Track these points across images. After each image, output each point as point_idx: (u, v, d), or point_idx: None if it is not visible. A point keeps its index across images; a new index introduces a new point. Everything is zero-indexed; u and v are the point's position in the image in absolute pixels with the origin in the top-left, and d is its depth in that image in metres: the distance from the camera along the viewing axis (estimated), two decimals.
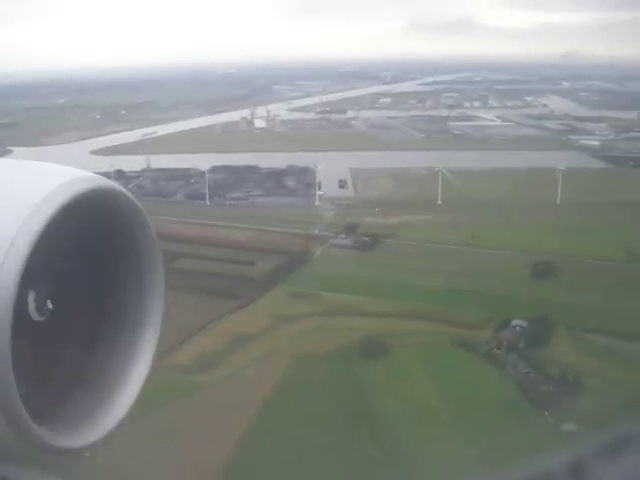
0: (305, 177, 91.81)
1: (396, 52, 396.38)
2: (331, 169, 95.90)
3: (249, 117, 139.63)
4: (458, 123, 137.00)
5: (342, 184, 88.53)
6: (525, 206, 77.30)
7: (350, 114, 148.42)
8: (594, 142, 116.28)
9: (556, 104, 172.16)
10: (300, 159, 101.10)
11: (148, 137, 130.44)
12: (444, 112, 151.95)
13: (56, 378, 2.62)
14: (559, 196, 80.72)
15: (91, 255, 2.67)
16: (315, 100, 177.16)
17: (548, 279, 57.08)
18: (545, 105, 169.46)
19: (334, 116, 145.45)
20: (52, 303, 2.46)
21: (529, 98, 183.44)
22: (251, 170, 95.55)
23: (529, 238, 66.25)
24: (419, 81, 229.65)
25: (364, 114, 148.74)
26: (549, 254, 61.92)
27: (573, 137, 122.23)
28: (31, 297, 2.38)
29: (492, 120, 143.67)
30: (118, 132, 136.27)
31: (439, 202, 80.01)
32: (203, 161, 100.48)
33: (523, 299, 52.19)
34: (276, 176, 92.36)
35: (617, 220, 72.29)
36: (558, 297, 52.76)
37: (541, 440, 34.77)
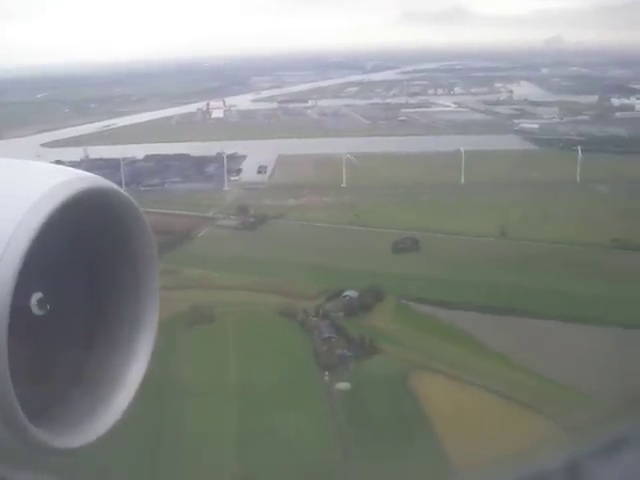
0: (230, 164, 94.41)
1: (388, 42, 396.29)
2: (262, 156, 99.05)
3: (204, 108, 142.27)
4: (411, 110, 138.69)
5: (261, 170, 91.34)
6: (426, 187, 79.56)
7: (309, 104, 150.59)
8: (534, 126, 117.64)
9: (522, 90, 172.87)
10: (237, 147, 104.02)
11: (105, 129, 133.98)
12: (403, 100, 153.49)
13: (53, 377, 2.62)
14: (463, 177, 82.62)
15: (88, 253, 2.68)
16: (285, 90, 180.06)
17: (407, 254, 59.45)
18: (510, 91, 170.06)
19: (292, 105, 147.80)
20: (49, 301, 2.45)
21: (499, 85, 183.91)
22: (180, 158, 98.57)
23: (410, 217, 68.57)
24: (398, 70, 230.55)
25: (324, 103, 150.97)
26: (422, 231, 64.25)
27: (516, 121, 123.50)
28: (28, 295, 2.38)
29: (447, 106, 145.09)
30: (79, 125, 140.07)
31: (343, 185, 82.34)
32: (143, 150, 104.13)
33: (372, 272, 54.57)
34: (201, 163, 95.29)
35: (509, 199, 74.45)
36: (405, 270, 55.19)
37: (306, 396, 37.62)
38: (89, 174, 2.49)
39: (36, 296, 2.43)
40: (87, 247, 2.68)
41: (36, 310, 2.43)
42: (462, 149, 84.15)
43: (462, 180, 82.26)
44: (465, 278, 52.75)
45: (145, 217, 2.66)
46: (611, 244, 60.81)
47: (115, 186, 2.53)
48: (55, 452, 2.39)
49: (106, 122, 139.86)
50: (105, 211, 2.53)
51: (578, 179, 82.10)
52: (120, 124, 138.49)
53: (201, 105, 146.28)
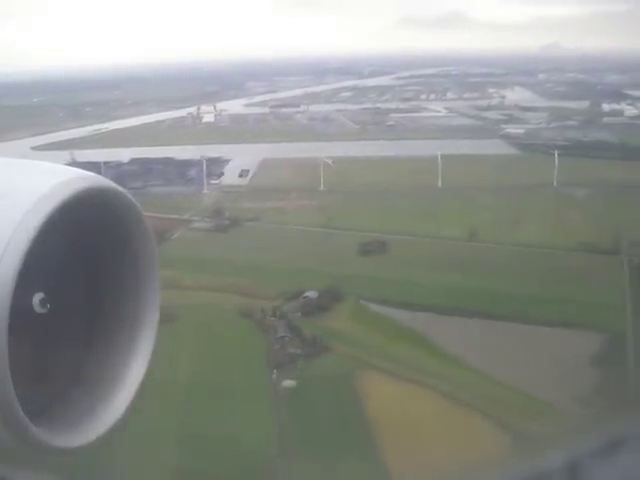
0: (213, 167, 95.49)
1: (387, 47, 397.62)
2: (246, 159, 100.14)
3: (195, 113, 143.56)
4: (400, 115, 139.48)
5: (243, 173, 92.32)
6: (403, 190, 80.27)
7: (300, 108, 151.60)
8: (519, 131, 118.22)
9: (515, 96, 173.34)
10: (224, 151, 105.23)
11: (97, 133, 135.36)
12: (394, 105, 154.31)
13: (53, 377, 2.61)
14: (440, 181, 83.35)
15: (88, 253, 2.68)
16: (280, 95, 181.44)
17: (373, 256, 60.21)
18: (502, 97, 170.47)
19: (283, 110, 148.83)
20: (50, 301, 2.44)
21: (492, 90, 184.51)
22: (164, 162, 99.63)
23: (383, 220, 69.24)
24: (394, 75, 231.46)
25: (315, 108, 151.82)
26: (392, 234, 65.04)
27: (503, 126, 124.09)
28: (28, 295, 2.38)
29: (437, 111, 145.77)
30: (72, 129, 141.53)
31: (321, 188, 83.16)
32: (130, 154, 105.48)
33: (335, 274, 55.29)
34: (184, 167, 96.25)
35: (483, 203, 75.07)
36: (368, 272, 55.93)
37: (252, 394, 38.39)
38: (90, 174, 2.49)
39: (36, 296, 2.42)
40: (87, 247, 2.67)
41: (36, 310, 2.42)
42: (439, 154, 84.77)
43: (439, 184, 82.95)
44: (425, 280, 53.49)
45: (145, 217, 2.69)
46: (577, 247, 61.45)
47: (115, 186, 2.53)
48: (55, 452, 2.38)
49: (98, 126, 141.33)
50: (105, 211, 2.52)
51: (554, 183, 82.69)
52: (112, 128, 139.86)
53: (192, 109, 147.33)
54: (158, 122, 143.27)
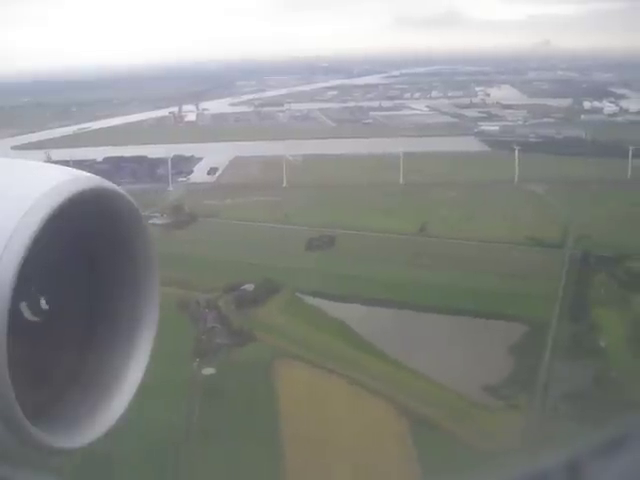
0: (184, 166, 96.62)
1: (383, 47, 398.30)
2: (219, 157, 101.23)
3: (177, 112, 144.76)
4: (380, 113, 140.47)
5: (211, 171, 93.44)
6: (365, 187, 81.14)
7: (283, 107, 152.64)
8: (494, 128, 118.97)
9: (500, 93, 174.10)
10: (199, 149, 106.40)
11: (78, 133, 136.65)
12: (376, 103, 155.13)
13: (53, 378, 2.63)
14: (402, 178, 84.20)
15: (87, 253, 2.70)
16: (268, 94, 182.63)
17: (319, 251, 61.14)
18: (487, 95, 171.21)
19: (265, 109, 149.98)
20: (49, 301, 2.45)
21: (479, 88, 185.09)
22: (137, 160, 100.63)
23: (339, 215, 70.09)
24: (385, 74, 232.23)
25: (298, 106, 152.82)
26: (345, 229, 65.97)
27: (480, 123, 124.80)
28: (28, 295, 2.38)
29: (417, 110, 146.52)
30: (55, 128, 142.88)
31: (284, 185, 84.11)
32: (107, 153, 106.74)
33: (279, 267, 56.23)
34: (155, 165, 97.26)
35: (441, 198, 75.94)
36: (310, 266, 56.90)
37: (173, 381, 39.34)
38: (89, 174, 2.49)
39: (36, 296, 2.41)
40: (87, 247, 2.66)
41: (35, 310, 2.40)
42: (401, 151, 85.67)
43: (401, 180, 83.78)
44: (363, 273, 54.34)
45: (145, 217, 2.71)
46: (525, 242, 62.22)
47: (115, 187, 2.53)
48: (55, 452, 2.37)
49: (81, 125, 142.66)
50: (105, 211, 2.52)
51: (516, 179, 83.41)
52: (94, 127, 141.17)
53: (174, 109, 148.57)
54: (140, 122, 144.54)
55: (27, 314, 2.40)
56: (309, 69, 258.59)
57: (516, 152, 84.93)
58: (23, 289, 2.26)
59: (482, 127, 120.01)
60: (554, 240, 62.10)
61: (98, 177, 2.52)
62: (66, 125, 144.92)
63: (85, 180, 2.42)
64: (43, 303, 2.44)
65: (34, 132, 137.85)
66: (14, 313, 2.18)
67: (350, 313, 48.04)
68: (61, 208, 2.28)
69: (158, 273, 2.83)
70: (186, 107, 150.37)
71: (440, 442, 33.19)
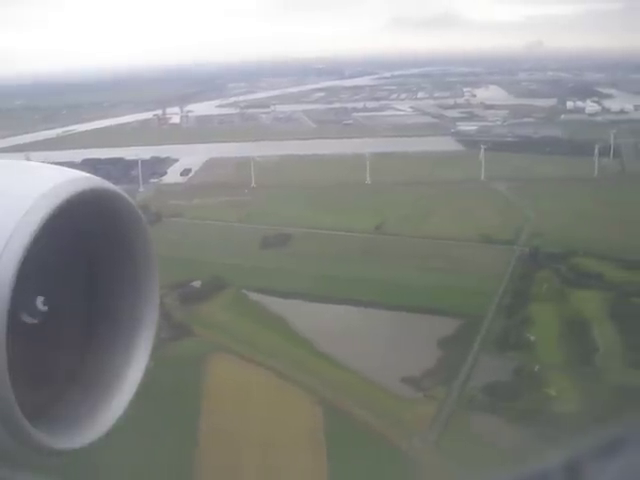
0: (159, 167, 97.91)
1: (380, 48, 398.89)
2: (194, 159, 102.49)
3: (160, 114, 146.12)
4: (362, 114, 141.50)
5: (184, 172, 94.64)
6: (331, 187, 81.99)
7: (267, 109, 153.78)
8: (471, 128, 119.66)
9: (487, 94, 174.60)
10: (176, 151, 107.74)
11: (62, 135, 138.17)
12: (361, 104, 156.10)
13: (53, 378, 2.65)
14: (369, 177, 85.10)
15: (87, 253, 2.73)
16: (257, 96, 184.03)
17: (273, 249, 62.10)
18: (473, 95, 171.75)
19: (250, 111, 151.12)
20: (48, 301, 2.45)
21: (467, 89, 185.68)
22: (113, 162, 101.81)
23: (300, 214, 71.14)
24: (377, 76, 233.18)
25: (283, 108, 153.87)
26: (303, 228, 67.05)
27: (459, 124, 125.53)
28: (27, 295, 2.38)
29: (401, 111, 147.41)
30: (40, 131, 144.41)
31: (253, 185, 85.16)
32: (86, 155, 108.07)
33: (230, 265, 57.22)
34: (130, 167, 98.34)
35: (403, 197, 76.86)
36: (261, 263, 57.89)
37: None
38: (88, 175, 2.50)
39: (35, 297, 2.40)
40: (86, 247, 2.68)
41: (35, 311, 2.40)
42: (367, 151, 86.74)
43: (367, 180, 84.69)
44: (312, 270, 55.30)
45: (144, 218, 2.76)
46: (477, 239, 63.04)
47: (114, 187, 2.55)
48: (55, 453, 2.37)
49: (67, 128, 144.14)
50: (104, 212, 2.54)
51: (482, 178, 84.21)
52: (80, 130, 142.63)
53: (158, 112, 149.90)
54: (126, 124, 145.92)
55: (27, 314, 2.38)
56: (304, 71, 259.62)
57: (482, 151, 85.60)
58: (23, 289, 2.25)
59: (460, 127, 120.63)
60: (506, 237, 62.92)
61: (98, 178, 2.52)
62: (52, 128, 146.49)
63: (84, 180, 2.42)
64: (43, 303, 2.43)
65: (21, 135, 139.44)
66: (13, 313, 2.18)
67: (292, 309, 48.95)
68: (61, 208, 2.29)
69: (157, 273, 2.86)
70: (171, 110, 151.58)
71: (351, 430, 34.10)
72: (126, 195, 2.60)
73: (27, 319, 2.39)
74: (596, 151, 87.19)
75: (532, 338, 43.70)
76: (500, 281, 53.03)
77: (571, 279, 53.42)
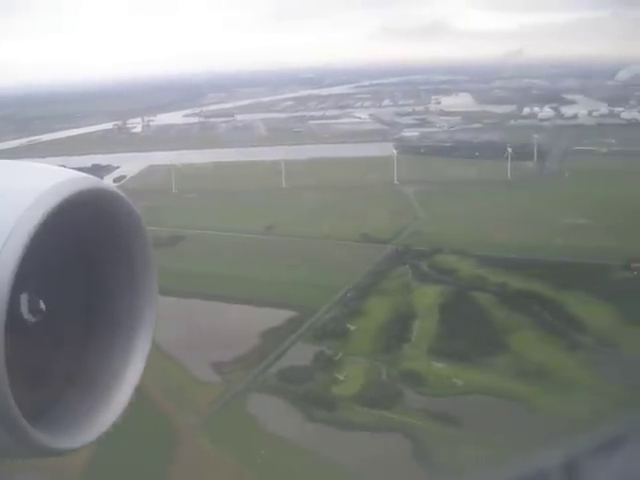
0: (97, 174, 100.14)
1: (372, 57, 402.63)
2: (134, 166, 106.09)
3: (120, 124, 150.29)
4: (317, 122, 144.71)
5: (117, 179, 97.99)
6: (246, 191, 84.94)
7: (227, 118, 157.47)
8: (414, 134, 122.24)
9: (452, 101, 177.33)
10: (121, 159, 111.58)
11: (27, 144, 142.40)
12: (320, 112, 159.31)
13: (52, 378, 2.62)
14: (285, 182, 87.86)
15: (86, 254, 2.69)
16: (226, 105, 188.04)
17: (159, 249, 64.86)
18: (438, 102, 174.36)
19: (211, 120, 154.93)
20: (47, 301, 2.42)
21: (435, 97, 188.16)
22: None
23: (202, 217, 74.06)
24: (353, 84, 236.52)
25: (244, 117, 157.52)
26: (199, 229, 70.08)
27: (405, 130, 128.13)
28: (25, 298, 2.35)
29: (356, 118, 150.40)
30: (7, 140, 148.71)
31: (174, 190, 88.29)
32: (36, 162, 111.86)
33: None
34: None
35: (310, 200, 79.38)
36: None
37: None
38: (87, 175, 2.50)
39: (33, 296, 2.39)
40: (85, 247, 2.67)
41: (34, 310, 2.39)
42: (282, 158, 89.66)
43: (283, 185, 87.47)
44: (186, 268, 57.98)
45: (143, 220, 2.70)
46: (357, 238, 65.50)
47: (112, 188, 2.56)
48: (54, 453, 2.38)
49: (33, 137, 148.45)
50: (103, 212, 2.54)
51: (395, 181, 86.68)
52: (44, 139, 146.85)
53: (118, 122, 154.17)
54: (89, 133, 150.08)
55: (25, 314, 2.38)
56: (290, 80, 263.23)
57: (394, 155, 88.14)
58: (21, 289, 2.26)
59: (403, 134, 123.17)
60: (385, 237, 65.24)
61: (96, 178, 2.54)
62: (20, 137, 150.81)
63: (83, 181, 2.42)
64: (41, 303, 2.42)
65: None
66: (12, 313, 2.18)
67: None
68: (59, 208, 2.27)
69: (156, 274, 2.84)
70: (135, 120, 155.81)
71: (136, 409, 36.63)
72: (125, 195, 2.60)
73: (26, 319, 2.38)
74: (513, 155, 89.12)
75: (352, 328, 45.95)
76: (354, 277, 55.39)
77: (426, 275, 55.73)
